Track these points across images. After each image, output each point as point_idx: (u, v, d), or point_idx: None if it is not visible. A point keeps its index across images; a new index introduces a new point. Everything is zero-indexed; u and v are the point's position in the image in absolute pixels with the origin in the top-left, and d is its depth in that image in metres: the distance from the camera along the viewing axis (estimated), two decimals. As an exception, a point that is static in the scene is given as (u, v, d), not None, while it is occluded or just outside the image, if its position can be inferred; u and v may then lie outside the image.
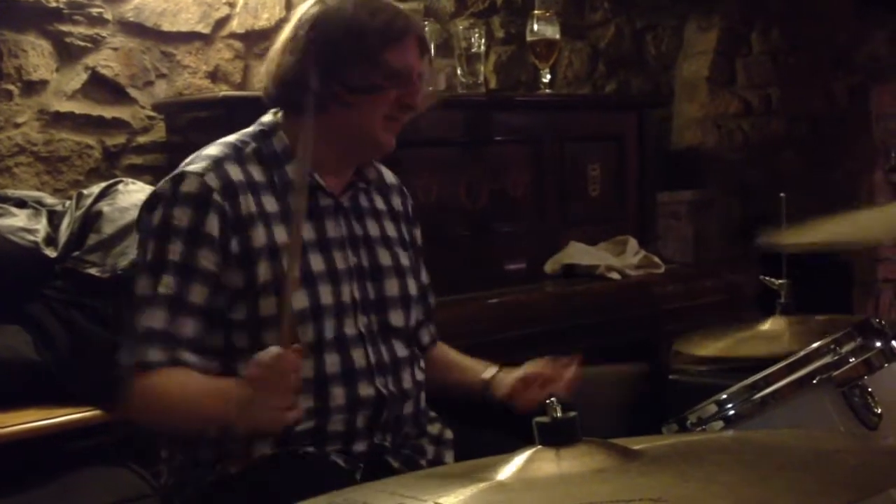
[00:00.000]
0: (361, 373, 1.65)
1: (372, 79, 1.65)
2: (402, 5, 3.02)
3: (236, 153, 1.66)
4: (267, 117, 1.74)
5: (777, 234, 1.95)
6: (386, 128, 1.69)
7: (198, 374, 1.57)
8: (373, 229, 1.76)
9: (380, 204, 1.80)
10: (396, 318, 1.73)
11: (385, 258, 1.75)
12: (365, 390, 1.65)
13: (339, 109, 1.65)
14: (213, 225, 1.58)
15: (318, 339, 1.63)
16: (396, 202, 1.84)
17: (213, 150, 1.67)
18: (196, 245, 1.58)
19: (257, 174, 1.66)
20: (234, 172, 1.63)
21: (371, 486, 1.08)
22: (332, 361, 1.64)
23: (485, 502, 0.94)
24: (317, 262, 1.65)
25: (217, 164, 1.63)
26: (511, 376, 1.77)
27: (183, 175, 1.61)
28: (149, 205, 1.63)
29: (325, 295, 1.64)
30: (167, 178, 1.64)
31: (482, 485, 0.96)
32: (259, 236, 1.61)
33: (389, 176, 1.87)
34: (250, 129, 1.73)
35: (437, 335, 1.92)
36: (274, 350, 1.47)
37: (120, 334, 1.63)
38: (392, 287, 1.74)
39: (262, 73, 1.72)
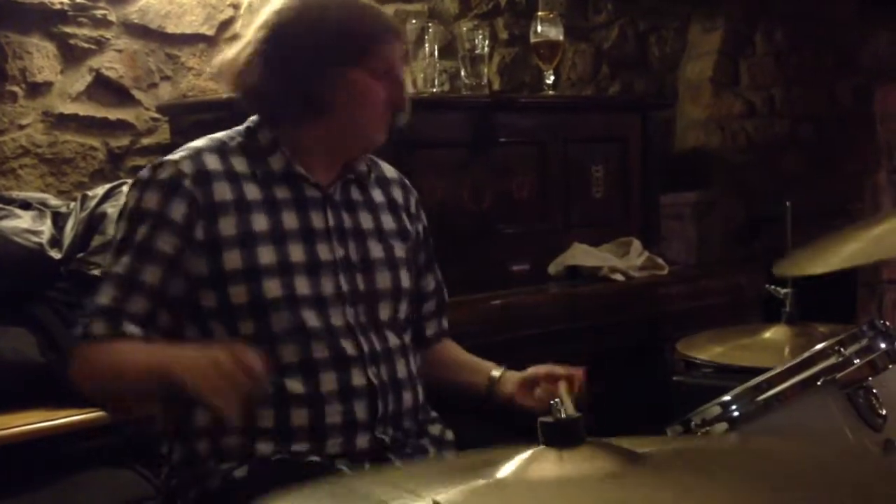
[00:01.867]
0: (352, 361, 1.65)
1: (358, 79, 1.67)
2: (406, 7, 3.07)
3: (219, 145, 1.70)
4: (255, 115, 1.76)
5: (790, 264, 1.94)
6: (375, 125, 1.72)
7: (142, 343, 1.59)
8: (366, 222, 1.76)
9: (378, 197, 1.81)
10: (385, 311, 1.73)
11: (377, 251, 1.75)
12: (358, 379, 1.65)
13: (327, 114, 1.68)
14: (177, 210, 1.61)
15: (297, 328, 1.63)
16: (397, 194, 1.84)
17: (197, 142, 1.71)
18: (158, 228, 1.61)
19: (239, 165, 1.68)
20: (212, 161, 1.66)
21: (373, 477, 1.08)
22: (320, 348, 1.64)
23: (481, 501, 0.94)
24: (296, 253, 1.65)
25: (196, 153, 1.67)
26: (517, 376, 1.79)
27: (162, 163, 1.66)
28: (130, 189, 1.69)
29: (302, 286, 1.64)
30: (149, 164, 1.69)
31: (480, 482, 0.96)
32: (229, 225, 1.62)
33: (390, 170, 1.87)
34: (240, 126, 1.76)
35: (448, 332, 1.93)
36: (250, 352, 1.45)
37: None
38: (384, 280, 1.74)
39: (232, 81, 1.71)
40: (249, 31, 1.71)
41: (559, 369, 1.74)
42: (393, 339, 1.73)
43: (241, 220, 1.63)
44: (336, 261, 1.69)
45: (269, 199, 1.67)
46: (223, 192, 1.64)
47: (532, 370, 1.77)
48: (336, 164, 1.75)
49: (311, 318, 1.63)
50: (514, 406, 1.76)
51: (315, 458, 1.61)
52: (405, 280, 1.78)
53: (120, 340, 1.58)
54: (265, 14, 1.70)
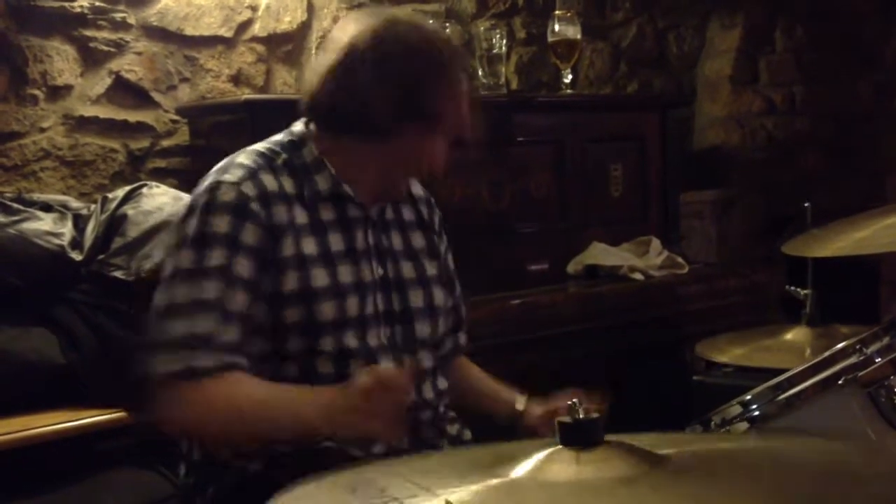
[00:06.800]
0: None
1: (433, 107, 1.65)
2: (423, 7, 3.07)
3: (268, 163, 1.65)
4: (297, 126, 1.72)
5: (802, 244, 1.93)
6: (440, 155, 1.70)
7: (259, 380, 1.55)
8: (397, 242, 1.75)
9: (407, 215, 1.80)
10: (422, 329, 1.73)
11: (409, 270, 1.75)
12: None
13: (396, 137, 1.65)
14: (250, 234, 1.57)
15: (339, 349, 1.62)
16: (425, 213, 1.84)
17: (245, 159, 1.65)
18: (234, 252, 1.56)
19: (288, 185, 1.65)
20: (269, 182, 1.62)
21: (388, 468, 1.08)
22: (357, 367, 1.62)
23: (493, 501, 0.93)
24: (345, 274, 1.64)
25: (252, 173, 1.62)
26: (539, 410, 1.76)
27: (219, 184, 1.60)
28: (184, 216, 1.61)
29: (352, 307, 1.64)
30: (202, 188, 1.62)
31: (494, 482, 0.95)
32: (288, 246, 1.60)
33: (417, 188, 1.86)
34: (279, 137, 1.72)
35: (465, 347, 1.91)
36: (391, 370, 1.51)
37: (143, 343, 1.59)
38: (417, 298, 1.74)
39: (306, 86, 1.69)
40: (343, 41, 1.65)
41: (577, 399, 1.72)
42: (426, 360, 1.72)
43: (295, 243, 1.61)
44: (376, 280, 1.69)
45: (315, 221, 1.65)
46: (281, 214, 1.61)
47: (555, 403, 1.73)
48: (383, 185, 1.73)
49: (351, 340, 1.63)
50: (535, 437, 1.74)
51: (330, 444, 1.60)
52: (438, 298, 1.78)
53: (238, 375, 1.53)
54: (358, 29, 1.65)
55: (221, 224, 1.57)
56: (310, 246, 1.63)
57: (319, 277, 1.62)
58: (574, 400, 1.04)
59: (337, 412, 1.50)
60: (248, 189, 1.59)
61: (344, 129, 1.66)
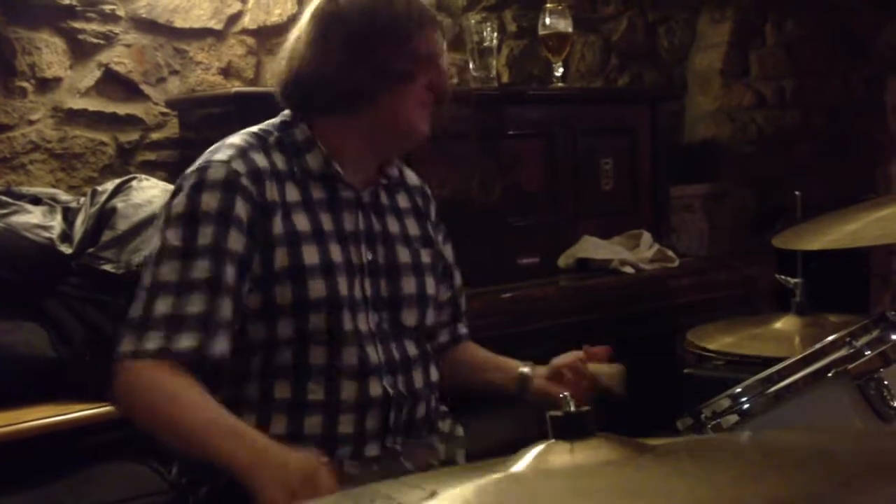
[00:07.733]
0: (372, 370, 1.64)
1: (403, 67, 1.65)
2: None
3: (260, 142, 1.66)
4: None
5: (792, 236, 1.94)
6: (420, 116, 1.69)
7: (213, 401, 1.51)
8: (393, 226, 1.75)
9: (403, 202, 1.79)
10: (409, 317, 1.72)
11: (404, 256, 1.74)
12: (374, 389, 1.64)
13: (372, 104, 1.65)
14: (241, 208, 1.57)
15: (335, 330, 1.61)
16: (420, 202, 1.83)
17: (236, 139, 1.66)
18: (226, 227, 1.55)
19: (280, 162, 1.65)
20: (260, 160, 1.62)
21: (386, 482, 1.08)
22: (347, 354, 1.62)
23: (498, 493, 0.94)
24: (336, 254, 1.64)
25: (242, 151, 1.62)
26: (544, 370, 1.78)
27: (209, 163, 1.60)
28: (174, 193, 1.61)
29: (343, 287, 1.63)
30: (191, 169, 1.62)
31: (496, 476, 0.96)
32: (278, 224, 1.60)
33: (413, 177, 1.85)
34: (274, 119, 1.73)
35: (466, 336, 1.91)
36: (327, 479, 1.42)
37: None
38: (409, 285, 1.72)
39: (277, 74, 1.70)
40: (303, 20, 1.68)
41: (582, 353, 1.75)
42: (413, 349, 1.71)
43: (287, 220, 1.61)
44: (364, 265, 1.67)
45: (307, 199, 1.64)
46: (272, 191, 1.61)
47: (558, 360, 1.76)
48: (372, 166, 1.73)
49: (347, 322, 1.62)
50: (548, 398, 1.73)
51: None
52: (430, 287, 1.76)
53: (197, 389, 1.49)
54: (313, 7, 1.68)
55: (212, 201, 1.56)
56: (302, 222, 1.62)
57: (310, 254, 1.61)
58: (565, 393, 1.04)
59: (267, 464, 1.42)
60: (239, 166, 1.59)
61: (320, 108, 1.67)
